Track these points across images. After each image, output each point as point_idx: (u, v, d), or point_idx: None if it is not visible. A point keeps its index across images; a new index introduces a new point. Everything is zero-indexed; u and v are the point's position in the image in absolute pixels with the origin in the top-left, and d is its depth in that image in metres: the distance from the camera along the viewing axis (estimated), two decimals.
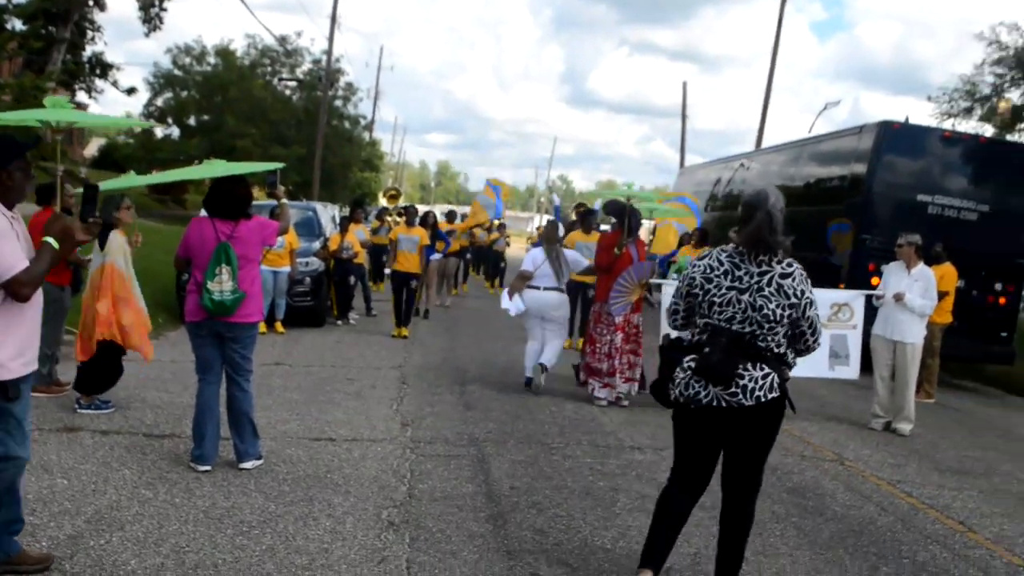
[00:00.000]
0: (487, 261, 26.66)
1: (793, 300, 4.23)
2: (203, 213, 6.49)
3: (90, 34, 49.73)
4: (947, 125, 21.34)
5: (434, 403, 9.02)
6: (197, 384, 6.33)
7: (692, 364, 4.35)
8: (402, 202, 23.62)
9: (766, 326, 4.22)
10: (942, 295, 10.96)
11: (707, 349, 4.27)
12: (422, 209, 17.19)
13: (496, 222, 26.55)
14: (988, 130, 21.48)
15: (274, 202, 7.36)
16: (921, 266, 9.65)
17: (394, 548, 5.02)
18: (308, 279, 14.10)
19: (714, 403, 4.28)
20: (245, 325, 6.21)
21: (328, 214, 20.07)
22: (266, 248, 6.91)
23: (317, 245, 14.95)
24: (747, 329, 4.24)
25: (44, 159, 39.60)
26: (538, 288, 10.17)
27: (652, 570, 4.56)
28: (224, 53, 42.72)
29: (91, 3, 47.25)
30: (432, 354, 12.39)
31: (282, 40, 44.18)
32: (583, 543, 5.39)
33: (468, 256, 23.19)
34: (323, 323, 14.46)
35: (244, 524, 5.21)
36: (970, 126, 21.62)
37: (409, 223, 14.55)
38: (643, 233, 11.63)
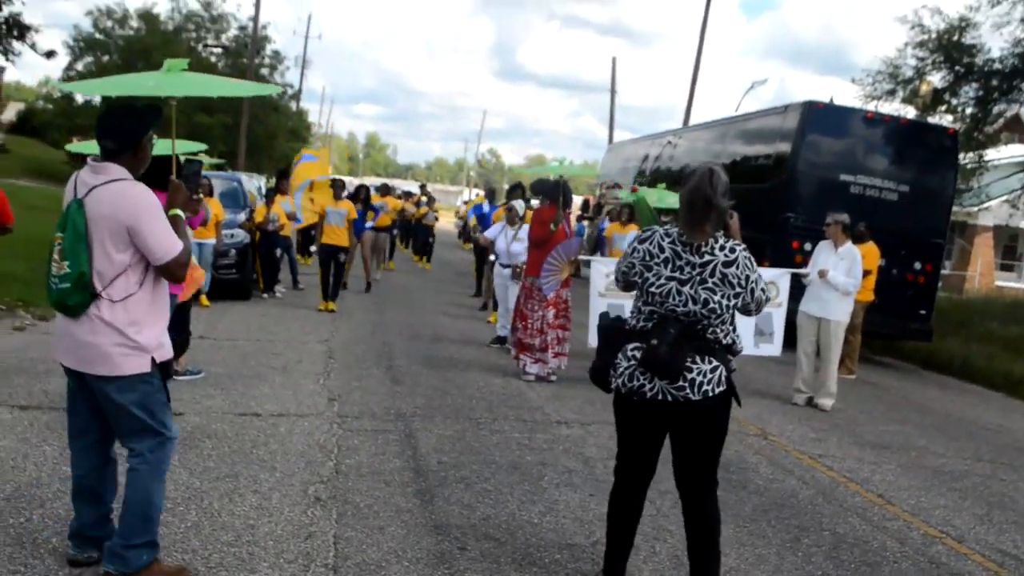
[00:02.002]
0: (416, 235, 26.52)
1: (739, 289, 4.03)
2: None
3: None
4: (870, 107, 21.66)
5: (361, 377, 8.96)
6: None
7: (636, 353, 4.09)
8: (330, 173, 23.37)
9: (712, 317, 4.01)
10: (865, 273, 11.16)
11: (654, 341, 3.98)
12: (352, 182, 17.07)
13: (423, 196, 26.46)
14: (910, 112, 21.83)
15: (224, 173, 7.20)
16: (848, 245, 9.83)
17: (321, 524, 4.99)
18: (233, 251, 13.89)
19: (659, 396, 4.04)
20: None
21: (254, 185, 19.82)
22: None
23: (242, 217, 14.73)
24: (689, 320, 4.01)
25: None
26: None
27: None
28: (147, 17, 41.86)
29: None
30: (359, 328, 12.31)
31: (207, 5, 43.45)
32: (510, 517, 5.41)
33: (395, 232, 23.01)
34: (249, 296, 14.28)
35: (168, 500, 5.10)
36: (893, 108, 21.91)
37: (336, 196, 14.40)
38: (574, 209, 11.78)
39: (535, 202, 10.76)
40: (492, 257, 11.98)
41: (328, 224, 13.99)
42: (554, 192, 9.83)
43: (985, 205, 30.69)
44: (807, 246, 12.81)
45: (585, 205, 27.32)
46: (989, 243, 33.60)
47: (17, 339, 9.24)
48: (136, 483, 3.94)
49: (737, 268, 4.03)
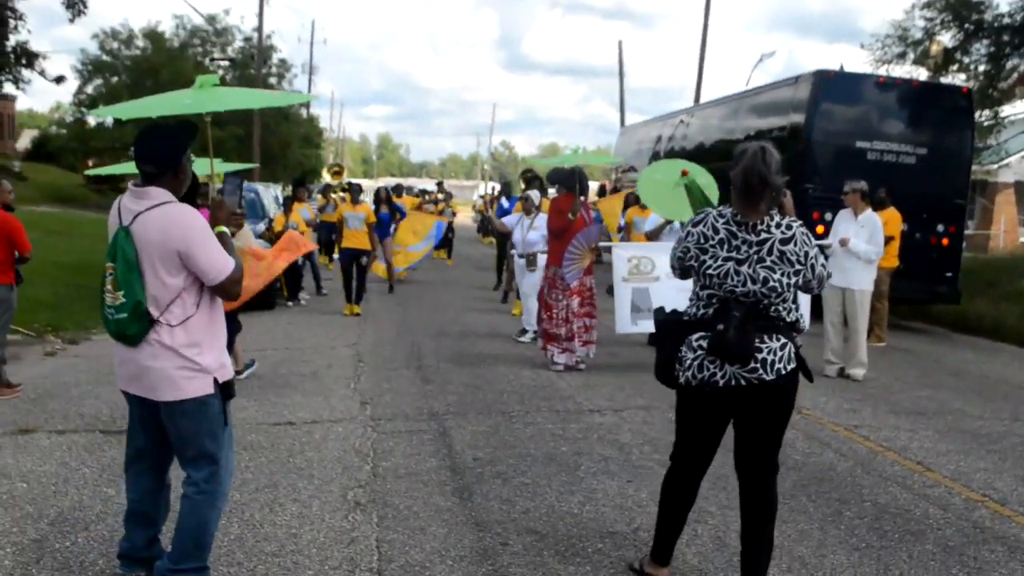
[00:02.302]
0: None
1: (798, 266, 3.93)
2: None
3: (12, 23, 48.53)
4: (881, 71, 21.52)
5: (391, 379, 8.99)
6: None
7: (703, 343, 3.99)
8: (345, 177, 23.46)
9: (772, 296, 3.92)
10: (888, 239, 11.09)
11: (720, 326, 3.89)
12: (367, 184, 17.16)
13: (440, 194, 26.53)
14: (922, 74, 21.69)
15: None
16: (868, 212, 9.78)
17: (363, 528, 5.01)
18: None
19: (732, 383, 3.95)
20: None
21: (271, 195, 19.91)
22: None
23: (261, 227, 14.81)
24: (751, 300, 3.93)
25: None
26: None
27: (666, 567, 4.39)
28: (152, 36, 42.09)
29: None
30: (386, 330, 12.34)
31: (211, 19, 43.66)
32: (550, 509, 5.41)
33: None
34: (274, 305, 14.33)
35: None
36: (904, 71, 21.79)
37: (354, 200, 14.44)
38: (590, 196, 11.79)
39: (552, 191, 10.77)
40: (513, 250, 12.03)
41: (348, 228, 14.02)
42: (570, 180, 9.82)
43: (1005, 162, 30.42)
44: (827, 216, 12.75)
45: (602, 190, 27.26)
46: (1011, 200, 33.26)
47: (49, 364, 9.32)
48: (191, 510, 3.96)
49: (795, 245, 3.94)
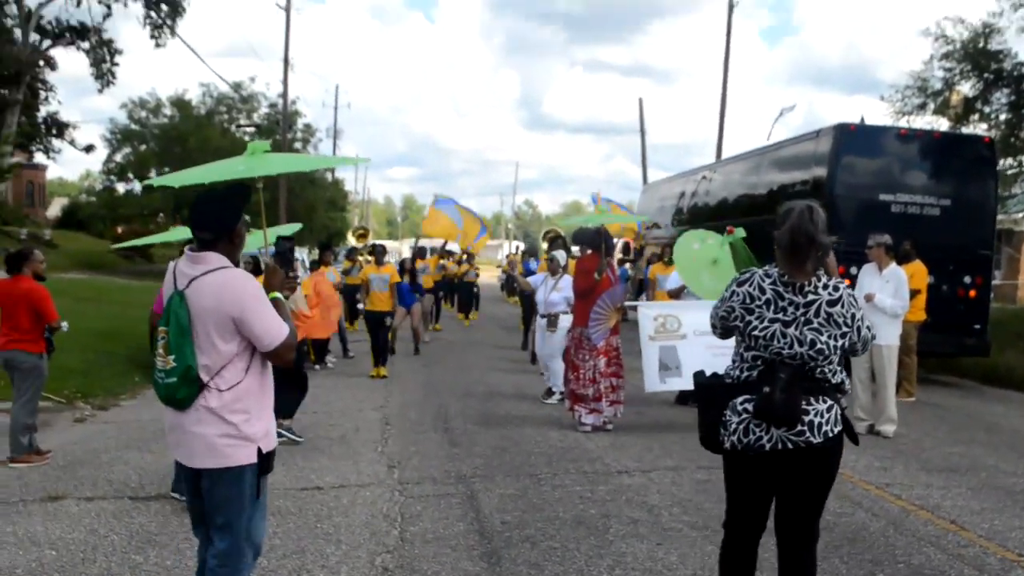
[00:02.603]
0: (459, 293, 26.60)
1: (845, 328, 3.88)
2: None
3: (43, 94, 49.55)
4: (902, 122, 21.59)
5: (419, 442, 8.98)
6: None
7: (748, 406, 3.90)
8: (371, 239, 23.61)
9: (820, 359, 3.85)
10: (914, 293, 11.05)
11: (766, 388, 3.81)
12: (392, 245, 17.27)
13: (463, 254, 26.66)
14: (943, 124, 21.74)
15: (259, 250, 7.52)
16: (893, 266, 9.75)
17: None
18: None
19: (779, 446, 3.86)
20: None
21: (298, 258, 20.03)
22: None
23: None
24: (797, 363, 3.85)
25: (6, 223, 39.35)
26: None
27: None
28: (180, 104, 42.74)
29: (42, 63, 47.10)
30: (412, 392, 12.35)
31: (236, 86, 44.29)
32: (579, 574, 5.37)
33: (441, 293, 23.20)
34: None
35: None
36: (924, 121, 21.88)
37: (378, 262, 14.53)
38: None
39: (576, 251, 10.79)
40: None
41: (373, 290, 14.10)
42: (595, 241, 9.86)
43: None
44: (853, 270, 12.71)
45: (626, 248, 27.32)
46: None
47: (79, 431, 9.37)
48: None
49: (842, 307, 3.89)
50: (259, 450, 3.87)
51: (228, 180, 4.78)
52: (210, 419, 3.77)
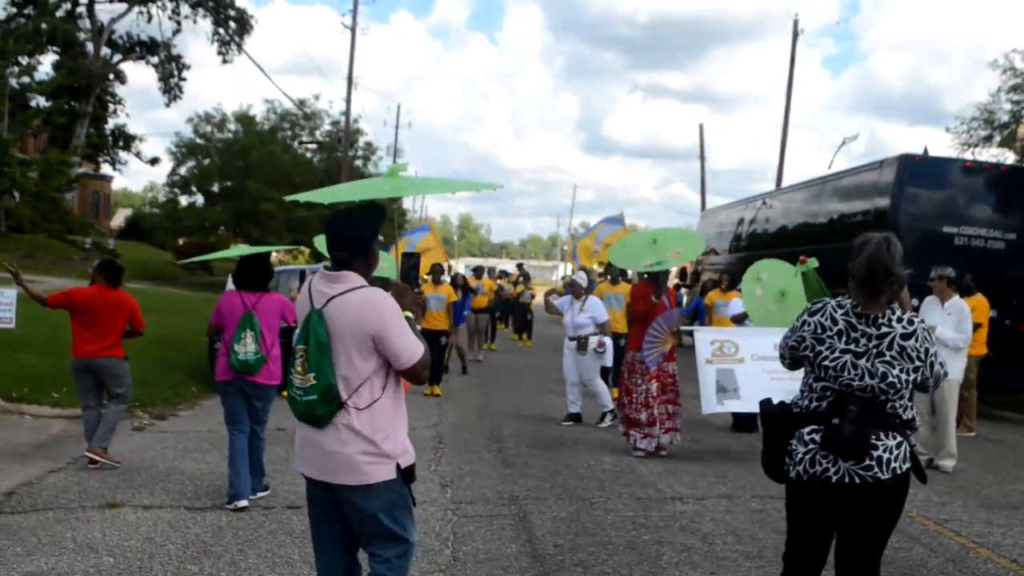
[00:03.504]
0: (515, 314, 26.65)
1: (917, 363, 3.81)
2: (230, 286, 7.54)
3: (112, 107, 50.73)
4: (967, 154, 21.33)
5: (472, 462, 9.00)
6: (228, 434, 7.20)
7: (815, 436, 3.85)
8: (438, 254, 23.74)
9: (890, 392, 3.79)
10: (976, 327, 10.87)
11: (835, 420, 3.75)
12: (451, 266, 17.35)
13: (520, 276, 26.72)
14: (1009, 157, 21.44)
15: (299, 267, 7.78)
16: (955, 299, 9.62)
17: None
18: None
19: (845, 480, 3.79)
20: (265, 386, 7.21)
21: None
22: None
23: None
24: (868, 396, 3.79)
25: (71, 232, 40.12)
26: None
27: None
28: (244, 119, 43.30)
29: (112, 77, 48.16)
30: (466, 411, 12.37)
31: (300, 103, 44.81)
32: None
33: (496, 313, 23.30)
34: None
35: None
36: (990, 154, 21.60)
37: (436, 281, 14.62)
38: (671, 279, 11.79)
39: (631, 274, 10.78)
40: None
41: (429, 309, 14.17)
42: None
43: None
44: (914, 302, 12.54)
45: (683, 273, 27.20)
46: None
47: (137, 439, 9.50)
48: None
49: (916, 341, 3.82)
50: (398, 465, 3.87)
51: (363, 200, 4.75)
52: (351, 438, 3.77)
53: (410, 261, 4.65)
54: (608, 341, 11.59)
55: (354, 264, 3.87)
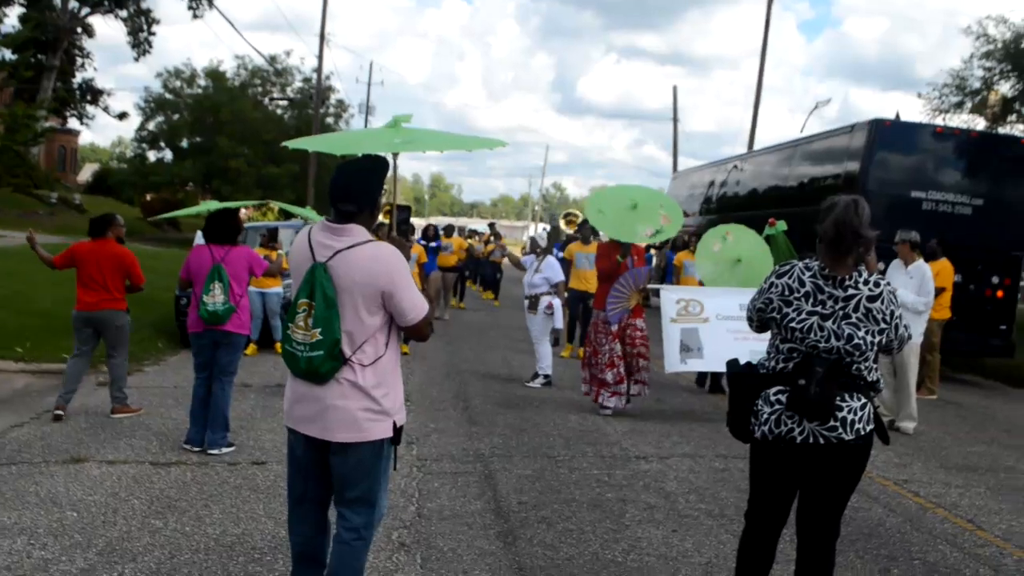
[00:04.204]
0: (485, 272, 26.63)
1: (883, 325, 3.85)
2: (199, 241, 7.72)
3: (80, 61, 49.97)
4: (938, 120, 21.41)
5: (438, 420, 9.02)
6: (194, 380, 7.49)
7: (781, 397, 3.90)
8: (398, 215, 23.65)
9: (856, 354, 3.83)
10: (940, 291, 10.99)
11: (802, 381, 3.80)
12: (418, 223, 17.29)
13: (491, 235, 26.73)
14: (979, 123, 21.54)
15: (266, 223, 7.87)
16: (918, 262, 9.69)
17: (406, 569, 5.03)
18: None
19: (810, 440, 3.85)
20: (235, 334, 7.45)
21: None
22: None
23: None
24: (833, 357, 3.83)
25: (36, 186, 39.60)
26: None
27: None
28: (214, 75, 42.80)
29: (80, 30, 47.43)
30: (433, 369, 12.38)
31: (271, 60, 44.33)
32: (594, 557, 5.39)
33: (466, 272, 23.30)
34: None
35: (256, 551, 5.21)
36: (961, 120, 21.70)
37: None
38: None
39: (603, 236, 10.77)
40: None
41: None
42: None
43: None
44: (881, 265, 12.65)
45: None
46: None
47: (102, 394, 9.42)
48: (350, 557, 3.89)
49: (882, 303, 3.86)
50: (394, 424, 3.84)
51: (363, 152, 4.62)
52: (354, 393, 3.73)
53: (402, 215, 4.55)
54: (557, 302, 11.42)
55: (359, 217, 3.79)
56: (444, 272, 18.53)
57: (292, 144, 5.05)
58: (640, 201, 9.72)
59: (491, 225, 31.36)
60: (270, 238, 12.94)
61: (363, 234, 3.76)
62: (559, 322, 11.60)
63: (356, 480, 3.83)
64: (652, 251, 23.62)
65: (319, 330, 3.66)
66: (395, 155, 4.84)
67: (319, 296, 3.67)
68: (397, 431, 3.87)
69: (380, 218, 18.78)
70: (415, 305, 3.77)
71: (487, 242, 25.85)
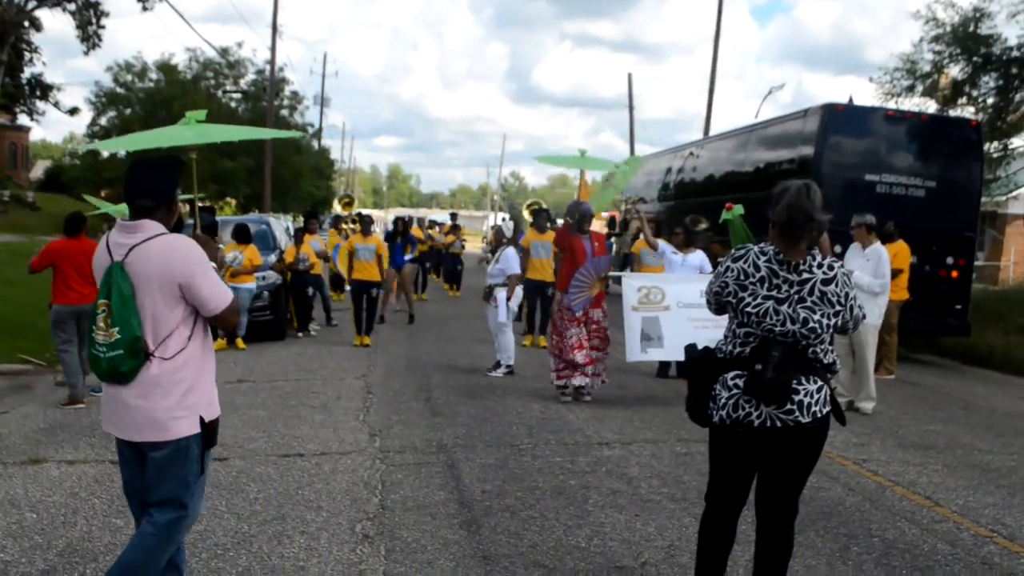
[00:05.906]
0: (446, 263, 26.59)
1: (838, 308, 3.88)
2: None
3: (28, 55, 49.06)
4: (890, 104, 21.58)
5: (401, 411, 9.01)
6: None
7: (739, 382, 3.91)
8: (356, 208, 23.56)
9: (811, 337, 3.85)
10: (897, 272, 11.11)
11: (758, 365, 3.81)
12: (377, 215, 17.30)
13: (448, 226, 26.73)
14: (931, 106, 21.75)
15: (238, 217, 7.93)
16: (875, 245, 9.79)
17: (370, 561, 5.02)
18: (266, 293, 14.04)
19: (767, 423, 3.87)
20: None
21: (281, 226, 20.00)
22: (228, 267, 7.75)
23: (273, 258, 14.87)
24: (790, 341, 3.85)
25: None
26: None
27: None
28: (166, 68, 42.35)
29: (27, 24, 46.60)
30: (396, 361, 12.36)
31: (223, 52, 43.90)
32: (558, 543, 5.41)
33: (427, 264, 23.31)
34: (284, 336, 14.41)
35: (218, 547, 5.18)
36: (912, 103, 21.87)
37: (364, 232, 14.53)
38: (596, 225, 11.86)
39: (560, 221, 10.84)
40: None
41: (358, 260, 14.09)
42: (570, 212, 10.02)
43: (1014, 194, 30.33)
44: (837, 248, 12.77)
45: (612, 222, 27.31)
46: (1021, 231, 33.20)
47: (60, 394, 9.34)
48: (140, 548, 3.79)
49: (836, 286, 3.89)
50: (201, 419, 3.79)
51: (170, 148, 4.71)
52: (153, 391, 3.68)
53: (207, 219, 4.61)
54: (501, 295, 11.26)
55: (156, 213, 3.78)
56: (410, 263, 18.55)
57: (106, 145, 5.15)
58: (588, 161, 9.94)
59: (453, 215, 31.42)
60: (237, 234, 12.87)
61: (156, 228, 3.75)
62: (503, 315, 11.27)
63: (159, 481, 3.78)
64: (613, 239, 23.77)
65: (117, 329, 3.64)
66: (191, 154, 4.86)
67: (115, 295, 3.65)
68: (207, 427, 3.82)
69: (339, 210, 18.82)
70: (216, 295, 3.77)
71: (447, 233, 25.85)
